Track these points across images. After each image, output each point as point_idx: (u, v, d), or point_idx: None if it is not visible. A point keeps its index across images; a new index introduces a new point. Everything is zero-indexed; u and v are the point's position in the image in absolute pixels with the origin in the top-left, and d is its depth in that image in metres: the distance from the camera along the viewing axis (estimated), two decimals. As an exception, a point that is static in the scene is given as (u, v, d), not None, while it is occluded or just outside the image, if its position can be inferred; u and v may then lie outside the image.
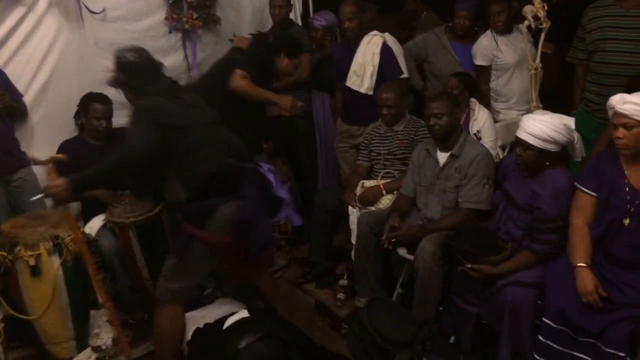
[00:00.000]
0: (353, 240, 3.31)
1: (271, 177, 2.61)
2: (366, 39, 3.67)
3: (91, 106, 3.42)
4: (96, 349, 3.10)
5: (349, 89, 3.72)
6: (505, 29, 3.73)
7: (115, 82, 2.75)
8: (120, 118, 3.59)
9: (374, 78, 3.63)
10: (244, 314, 2.58)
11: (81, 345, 3.09)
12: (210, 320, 2.66)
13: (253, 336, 2.33)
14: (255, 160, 2.73)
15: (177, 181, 2.62)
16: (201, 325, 2.63)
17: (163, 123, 2.50)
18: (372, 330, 1.99)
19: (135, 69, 2.68)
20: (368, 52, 3.64)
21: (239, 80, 3.30)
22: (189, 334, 2.62)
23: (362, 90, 3.66)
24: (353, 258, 3.28)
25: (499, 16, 3.69)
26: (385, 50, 3.65)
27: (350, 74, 3.70)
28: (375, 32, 3.70)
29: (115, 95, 3.65)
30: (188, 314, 2.82)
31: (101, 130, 3.43)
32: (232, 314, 2.64)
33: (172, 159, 2.57)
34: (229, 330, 2.48)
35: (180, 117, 2.59)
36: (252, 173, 2.58)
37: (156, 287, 2.71)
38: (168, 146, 2.52)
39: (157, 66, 2.80)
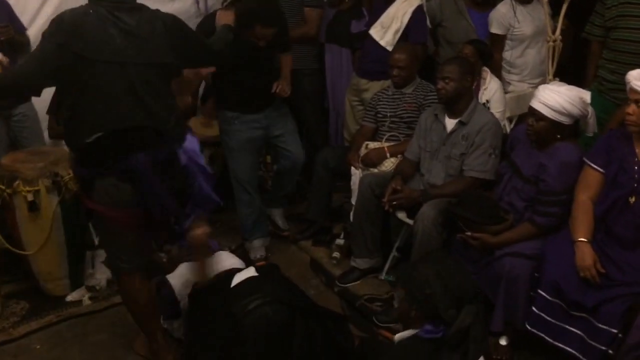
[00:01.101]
0: (353, 201, 3.30)
1: (183, 156, 2.28)
2: None
3: None
4: (90, 289, 3.13)
5: (372, 38, 3.65)
6: None
7: None
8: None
9: (397, 35, 3.56)
10: (251, 272, 2.54)
11: (75, 284, 3.12)
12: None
13: (262, 298, 2.27)
14: (171, 133, 2.28)
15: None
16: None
17: (64, 44, 2.03)
18: (451, 280, 1.89)
19: None
20: (401, 9, 3.58)
21: None
22: (186, 287, 2.60)
23: (382, 43, 3.60)
24: (351, 219, 3.28)
25: None
26: (418, 12, 3.59)
27: (377, 23, 3.64)
28: None
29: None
30: (186, 264, 2.81)
31: None
32: (236, 270, 2.61)
33: (68, 93, 2.16)
34: (237, 289, 2.42)
35: (94, 45, 2.06)
36: (154, 151, 2.19)
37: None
38: (67, 75, 2.08)
39: None
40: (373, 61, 3.69)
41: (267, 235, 3.62)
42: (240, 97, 3.25)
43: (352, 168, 3.39)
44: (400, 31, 3.57)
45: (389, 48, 3.56)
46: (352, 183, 3.36)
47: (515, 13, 3.62)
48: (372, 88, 3.68)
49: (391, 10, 3.60)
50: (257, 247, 3.54)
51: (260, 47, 3.04)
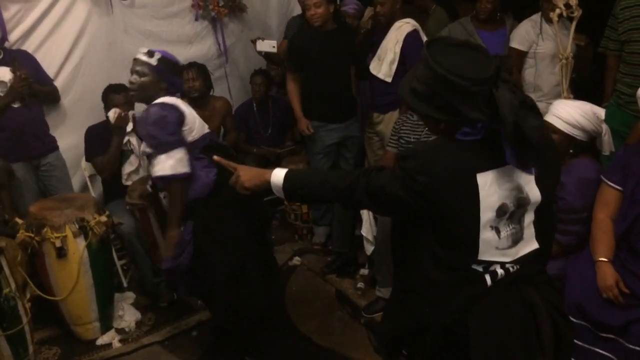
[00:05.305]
0: (363, 231, 3.29)
1: None
2: (397, 24, 3.57)
3: (109, 97, 3.48)
4: (120, 331, 3.17)
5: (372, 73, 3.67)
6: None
7: None
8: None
9: (394, 66, 3.54)
10: None
11: (105, 327, 3.16)
12: None
13: None
14: None
15: None
16: None
17: None
18: (445, 71, 1.45)
19: None
20: (392, 39, 3.55)
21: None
22: None
23: (380, 76, 3.59)
24: (367, 249, 3.28)
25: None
26: (411, 39, 3.52)
27: (375, 57, 3.65)
28: (408, 19, 3.59)
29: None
30: None
31: None
32: None
33: None
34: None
35: None
36: None
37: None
38: None
39: None
40: (381, 95, 3.68)
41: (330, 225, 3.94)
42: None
43: None
44: (396, 61, 3.53)
45: (388, 80, 3.55)
46: (361, 212, 3.33)
47: (541, 30, 3.58)
48: (385, 120, 3.67)
49: (383, 43, 3.60)
50: (321, 234, 4.03)
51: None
